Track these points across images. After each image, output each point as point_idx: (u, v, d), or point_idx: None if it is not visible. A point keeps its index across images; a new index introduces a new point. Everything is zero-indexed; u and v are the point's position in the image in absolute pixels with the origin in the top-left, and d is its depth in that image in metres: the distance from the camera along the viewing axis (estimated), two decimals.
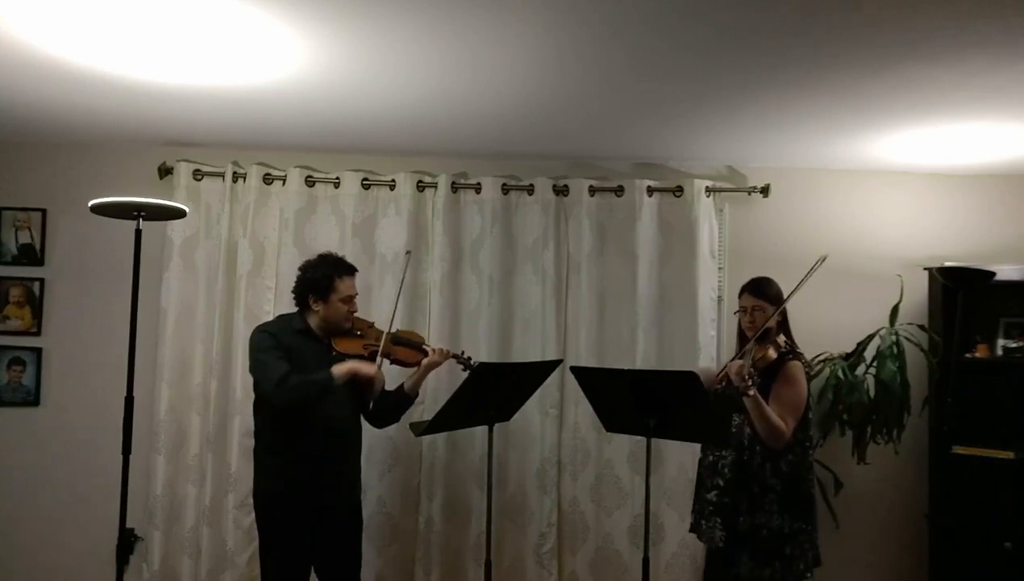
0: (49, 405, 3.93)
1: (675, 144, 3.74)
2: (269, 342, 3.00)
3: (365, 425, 3.26)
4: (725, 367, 3.09)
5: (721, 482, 3.02)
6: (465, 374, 3.15)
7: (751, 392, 2.86)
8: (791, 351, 3.06)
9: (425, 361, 3.16)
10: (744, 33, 2.48)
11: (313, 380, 2.91)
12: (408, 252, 3.49)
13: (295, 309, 3.16)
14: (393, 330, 3.20)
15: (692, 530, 3.23)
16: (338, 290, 3.05)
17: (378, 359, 3.04)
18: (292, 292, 3.15)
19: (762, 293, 3.10)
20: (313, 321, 3.10)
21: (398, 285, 3.37)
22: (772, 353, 2.97)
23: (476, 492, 3.80)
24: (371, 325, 3.25)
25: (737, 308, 3.20)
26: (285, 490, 3.01)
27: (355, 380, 2.95)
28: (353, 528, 3.19)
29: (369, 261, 3.82)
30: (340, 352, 3.07)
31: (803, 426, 3.04)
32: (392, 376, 3.31)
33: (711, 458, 3.11)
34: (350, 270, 3.12)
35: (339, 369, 2.91)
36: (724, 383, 3.15)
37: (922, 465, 3.85)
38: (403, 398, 3.24)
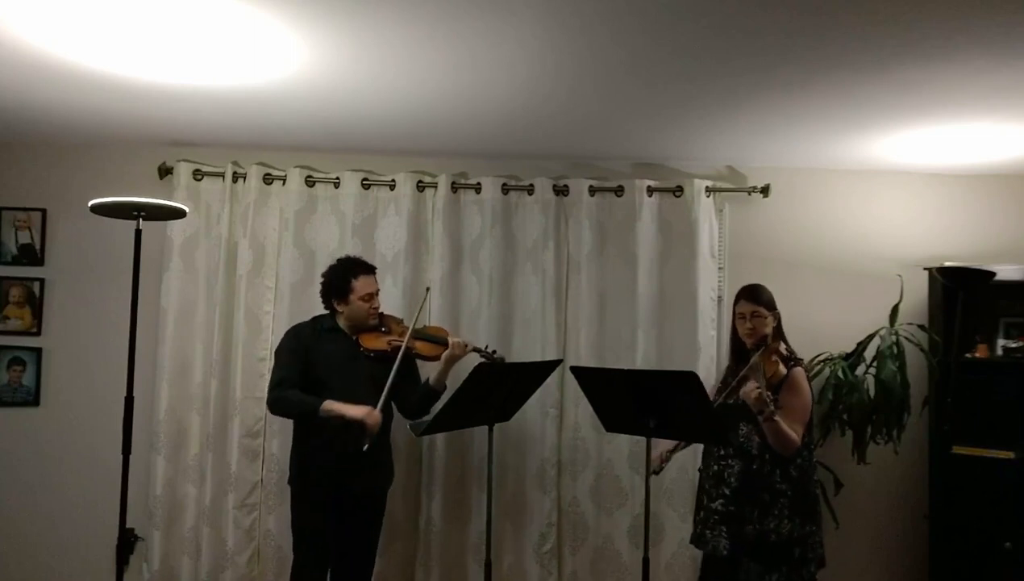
0: (49, 405, 3.93)
1: (675, 144, 3.74)
2: (288, 344, 3.26)
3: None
4: (726, 387, 3.08)
5: (727, 491, 3.01)
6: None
7: (776, 418, 2.82)
8: (792, 358, 3.06)
9: (445, 354, 3.27)
10: (744, 34, 2.47)
11: (301, 400, 3.14)
12: (428, 289, 3.69)
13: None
14: (419, 325, 3.35)
15: (694, 541, 3.19)
16: (355, 290, 3.23)
17: (380, 403, 3.10)
18: (320, 295, 3.34)
19: (760, 299, 3.10)
20: (340, 320, 3.30)
21: (419, 304, 3.49)
22: (782, 368, 2.96)
23: (476, 492, 3.79)
24: (399, 322, 3.40)
25: (733, 315, 3.16)
26: (312, 473, 3.18)
27: (344, 419, 3.07)
28: (372, 516, 3.33)
29: (369, 261, 3.82)
30: (366, 347, 3.25)
31: (807, 429, 3.03)
32: (422, 370, 3.46)
33: (716, 468, 3.08)
34: (367, 269, 3.30)
35: (329, 405, 3.08)
36: (726, 396, 3.09)
37: (922, 465, 3.85)
38: (430, 391, 3.33)
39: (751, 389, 2.85)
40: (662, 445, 3.10)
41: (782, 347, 3.04)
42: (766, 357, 2.96)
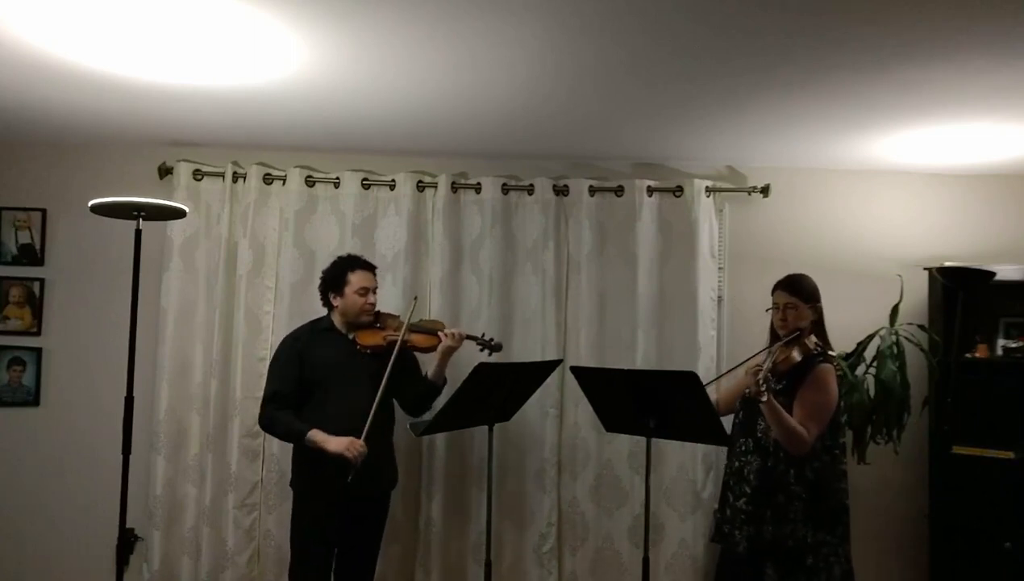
0: (49, 405, 3.93)
1: (675, 144, 3.74)
2: (281, 354, 3.26)
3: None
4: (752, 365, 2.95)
5: (748, 489, 2.93)
6: (486, 355, 3.30)
7: (763, 399, 2.69)
8: (822, 353, 2.93)
9: (440, 347, 3.25)
10: (744, 34, 2.47)
11: (290, 427, 3.15)
12: (415, 298, 3.51)
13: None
14: (416, 319, 3.33)
15: (714, 538, 3.14)
16: (351, 282, 3.23)
17: (365, 429, 3.05)
18: (319, 292, 3.35)
19: (797, 290, 2.98)
20: (337, 319, 3.29)
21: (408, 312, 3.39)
22: (796, 355, 2.85)
23: (476, 492, 3.79)
24: (395, 318, 3.38)
25: (747, 313, 3.12)
26: (310, 479, 3.17)
27: (324, 450, 3.05)
28: (373, 518, 3.31)
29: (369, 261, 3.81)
30: (363, 345, 3.24)
31: (832, 432, 2.92)
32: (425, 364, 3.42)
33: (737, 464, 3.00)
34: (363, 265, 3.30)
35: (313, 436, 3.07)
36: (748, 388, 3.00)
37: (922, 465, 3.85)
38: (430, 386, 3.31)
39: (752, 368, 2.77)
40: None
41: (811, 340, 2.92)
42: (786, 344, 2.87)
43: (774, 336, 3.07)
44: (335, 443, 3.04)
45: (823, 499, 2.88)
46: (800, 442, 2.80)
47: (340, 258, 3.34)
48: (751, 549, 2.90)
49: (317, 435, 3.07)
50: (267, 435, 3.74)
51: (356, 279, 3.24)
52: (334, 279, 3.27)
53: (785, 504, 2.86)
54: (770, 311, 3.07)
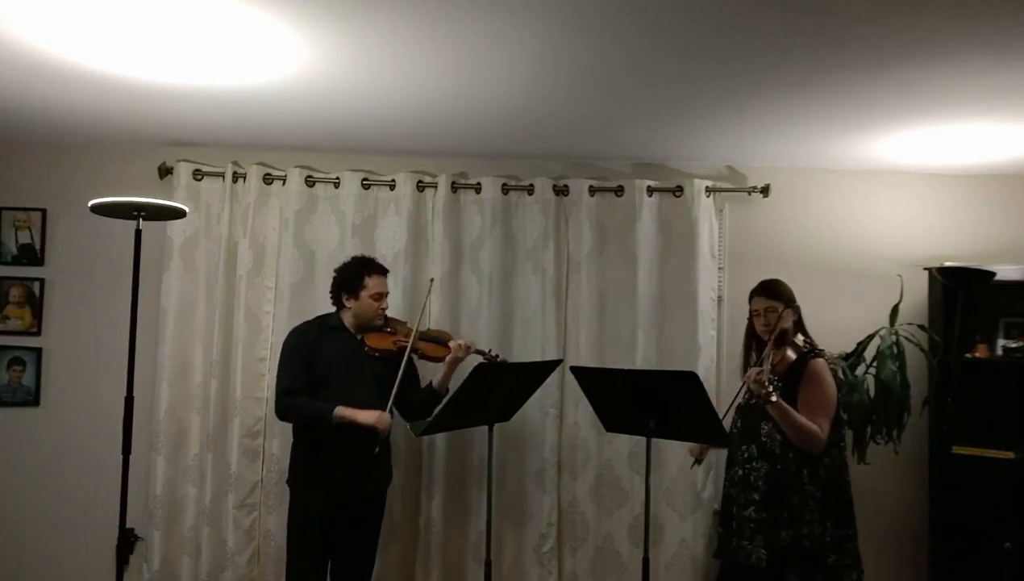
0: (49, 405, 3.93)
1: (675, 144, 3.74)
2: (291, 346, 3.26)
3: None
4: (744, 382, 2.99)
5: (756, 496, 2.92)
6: None
7: (773, 399, 2.74)
8: (812, 350, 2.97)
9: (448, 357, 3.27)
10: (744, 34, 2.48)
11: (313, 408, 3.14)
12: (431, 279, 3.63)
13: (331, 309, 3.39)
14: (424, 328, 3.35)
15: (719, 554, 3.11)
16: (367, 287, 3.24)
17: (389, 404, 3.11)
18: (329, 292, 3.35)
19: (774, 294, 3.03)
20: (347, 318, 3.29)
21: (424, 296, 3.54)
22: (791, 354, 2.89)
23: (476, 492, 3.79)
24: (404, 323, 3.40)
25: (747, 313, 3.12)
26: (309, 477, 3.19)
27: (356, 425, 3.07)
28: (371, 517, 3.32)
29: None
30: (371, 347, 3.25)
31: (835, 425, 2.94)
32: (424, 372, 3.47)
33: (741, 472, 2.99)
34: (380, 269, 3.31)
35: (341, 412, 3.09)
36: (747, 395, 3.02)
37: (922, 465, 3.85)
38: (433, 394, 3.32)
39: (754, 372, 2.80)
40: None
41: (799, 339, 2.96)
42: (775, 347, 2.90)
43: (757, 342, 3.10)
44: (365, 415, 3.07)
45: (836, 493, 2.89)
46: (815, 439, 2.82)
47: (356, 259, 3.33)
48: (771, 559, 2.86)
49: (345, 410, 3.08)
50: (266, 435, 3.77)
51: (372, 284, 3.24)
52: (350, 281, 3.26)
53: (800, 505, 2.86)
54: (749, 320, 3.12)
